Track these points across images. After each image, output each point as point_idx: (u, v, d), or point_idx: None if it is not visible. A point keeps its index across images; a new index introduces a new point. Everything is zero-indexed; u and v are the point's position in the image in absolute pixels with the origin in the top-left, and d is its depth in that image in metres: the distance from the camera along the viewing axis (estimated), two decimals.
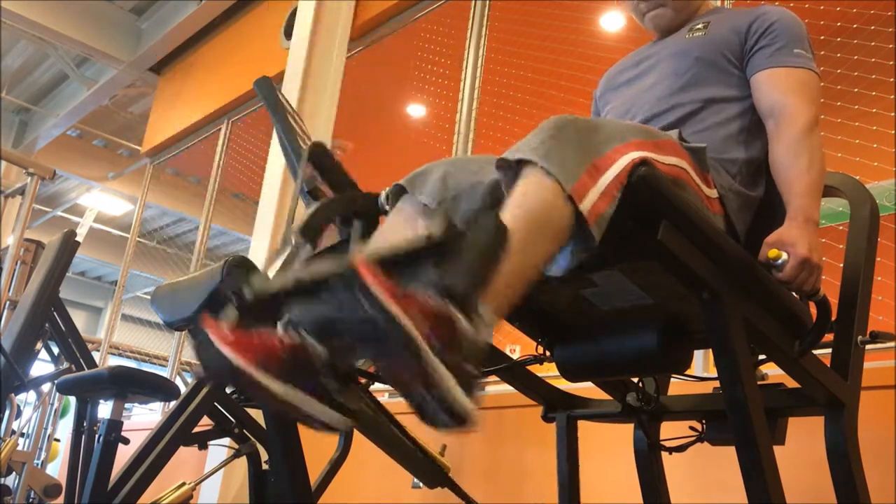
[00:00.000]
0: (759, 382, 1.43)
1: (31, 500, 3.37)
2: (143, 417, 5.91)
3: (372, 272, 0.76)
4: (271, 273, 0.96)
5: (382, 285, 0.76)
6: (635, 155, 1.04)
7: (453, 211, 1.19)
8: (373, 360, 0.83)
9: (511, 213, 0.96)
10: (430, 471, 1.88)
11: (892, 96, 2.84)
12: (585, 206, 0.97)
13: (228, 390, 2.11)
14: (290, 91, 4.05)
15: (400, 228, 1.22)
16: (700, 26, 1.51)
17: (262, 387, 0.80)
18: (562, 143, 1.00)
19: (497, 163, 1.05)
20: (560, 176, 0.97)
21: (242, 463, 2.23)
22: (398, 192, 1.27)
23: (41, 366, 3.78)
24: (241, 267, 1.31)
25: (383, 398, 3.63)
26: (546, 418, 1.62)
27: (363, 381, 2.03)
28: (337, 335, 0.81)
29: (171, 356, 5.19)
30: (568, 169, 0.98)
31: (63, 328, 3.21)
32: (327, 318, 0.81)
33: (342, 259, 0.78)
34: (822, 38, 2.92)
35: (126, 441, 2.04)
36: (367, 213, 1.31)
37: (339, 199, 1.32)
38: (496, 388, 2.90)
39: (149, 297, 2.39)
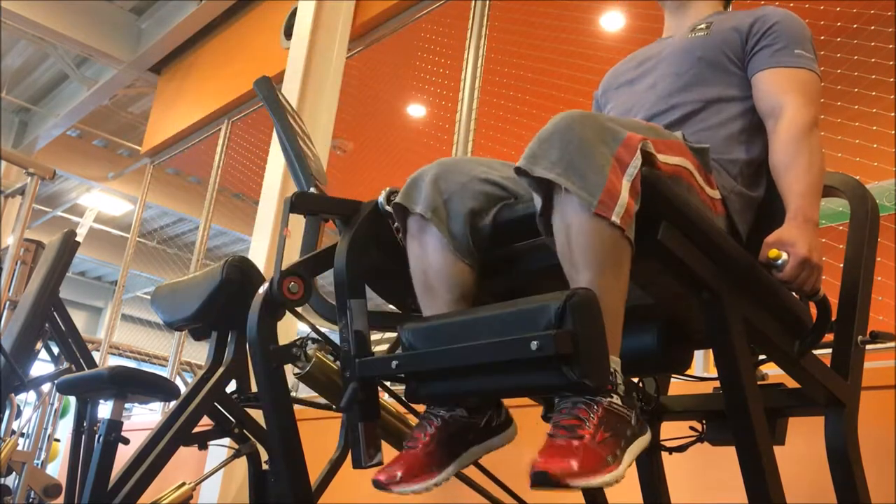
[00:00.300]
0: (759, 382, 1.43)
1: (31, 500, 3.37)
2: (143, 417, 5.91)
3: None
4: None
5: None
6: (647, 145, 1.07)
7: (446, 214, 1.21)
8: None
9: (582, 264, 1.02)
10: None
11: (892, 96, 2.84)
12: (617, 214, 1.01)
13: (228, 390, 2.11)
14: (290, 91, 4.05)
15: (431, 261, 1.24)
16: (703, 26, 1.51)
17: None
18: (579, 148, 1.02)
19: (516, 170, 1.07)
20: (583, 192, 1.01)
21: (242, 463, 2.23)
22: (401, 212, 1.27)
23: (41, 366, 3.78)
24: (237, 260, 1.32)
25: (383, 398, 3.63)
26: (546, 418, 1.62)
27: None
28: None
29: (171, 356, 5.19)
30: (590, 185, 1.01)
31: (63, 328, 3.21)
32: None
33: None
34: (822, 38, 2.92)
35: (126, 441, 2.04)
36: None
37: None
38: None
39: (149, 297, 2.39)
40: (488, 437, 1.20)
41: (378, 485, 1.07)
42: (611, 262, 1.02)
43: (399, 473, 1.06)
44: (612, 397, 0.98)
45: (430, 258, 1.22)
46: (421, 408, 1.22)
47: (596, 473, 0.96)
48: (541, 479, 0.91)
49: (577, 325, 0.93)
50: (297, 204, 1.27)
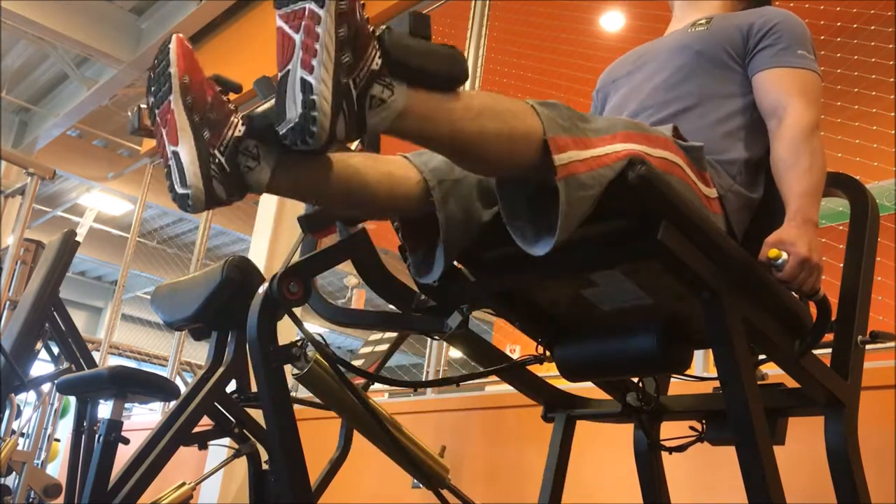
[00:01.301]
0: (759, 382, 1.43)
1: (31, 500, 3.37)
2: (143, 417, 5.91)
3: None
4: None
5: None
6: (624, 146, 1.05)
7: (451, 194, 1.18)
8: (282, 15, 0.89)
9: (487, 96, 0.98)
10: (430, 472, 1.88)
11: (892, 96, 2.84)
12: (561, 159, 0.98)
13: (228, 390, 2.11)
14: None
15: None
16: (703, 21, 1.51)
17: (169, 100, 0.93)
18: (553, 112, 1.02)
19: None
20: (546, 124, 0.99)
21: (242, 463, 2.23)
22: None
23: (41, 366, 3.78)
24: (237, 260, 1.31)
25: (383, 398, 3.63)
26: (546, 418, 1.62)
27: (362, 381, 2.03)
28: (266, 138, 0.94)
29: (171, 356, 5.19)
30: (554, 126, 1.00)
31: (63, 328, 3.21)
32: (269, 118, 0.91)
33: None
34: (822, 38, 2.92)
35: (126, 441, 2.04)
36: None
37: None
38: (496, 388, 2.90)
39: (149, 297, 2.39)
40: None
41: None
42: (507, 133, 0.98)
43: None
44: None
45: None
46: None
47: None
48: None
49: None
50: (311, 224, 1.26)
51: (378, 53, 0.90)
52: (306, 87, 0.86)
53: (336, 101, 0.86)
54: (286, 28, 0.89)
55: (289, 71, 0.88)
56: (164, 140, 0.96)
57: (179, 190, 0.94)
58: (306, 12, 0.87)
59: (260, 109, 0.97)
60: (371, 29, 0.91)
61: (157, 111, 0.97)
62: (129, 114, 1.19)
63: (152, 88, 0.98)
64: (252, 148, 0.96)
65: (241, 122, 0.97)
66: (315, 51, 0.86)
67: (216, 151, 0.94)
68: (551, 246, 1.00)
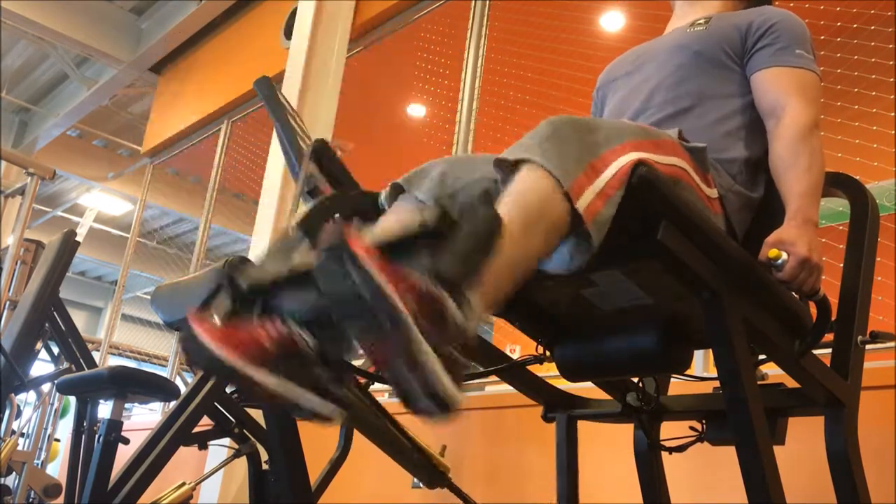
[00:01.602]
0: (759, 382, 1.43)
1: (31, 500, 3.37)
2: (143, 417, 5.91)
3: (363, 247, 0.76)
4: (268, 264, 0.96)
5: (374, 260, 0.75)
6: (633, 156, 1.04)
7: (450, 207, 1.18)
8: (361, 344, 0.81)
9: (507, 205, 0.97)
10: (430, 471, 1.88)
11: (892, 96, 2.84)
12: (581, 204, 0.98)
13: (228, 390, 2.11)
14: (290, 91, 4.05)
15: (395, 222, 1.21)
16: (702, 21, 1.51)
17: (254, 381, 0.79)
18: (559, 144, 1.01)
19: (495, 162, 1.05)
20: (557, 172, 0.98)
21: (242, 463, 2.23)
22: (396, 191, 1.27)
23: (41, 366, 3.78)
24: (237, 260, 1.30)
25: (383, 398, 3.63)
26: (546, 418, 1.62)
27: (363, 380, 2.03)
28: (327, 323, 0.81)
29: (171, 356, 5.19)
30: (566, 167, 0.99)
31: (63, 328, 3.21)
32: (317, 305, 0.80)
33: (335, 236, 0.78)
34: (822, 38, 2.92)
35: (126, 441, 2.04)
36: (367, 212, 1.31)
37: (339, 195, 1.32)
38: (496, 388, 2.90)
39: (149, 297, 2.39)
40: None
41: None
42: (544, 226, 0.97)
43: None
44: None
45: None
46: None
47: None
48: None
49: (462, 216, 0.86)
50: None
51: (452, 300, 0.80)
52: (427, 389, 0.78)
53: (453, 377, 0.79)
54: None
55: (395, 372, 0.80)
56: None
57: (330, 423, 0.85)
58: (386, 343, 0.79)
59: None
60: (435, 290, 0.80)
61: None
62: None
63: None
64: None
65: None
66: (419, 363, 0.78)
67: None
68: (580, 265, 1.03)
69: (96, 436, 2.02)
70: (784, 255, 1.15)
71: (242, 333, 0.80)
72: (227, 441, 2.23)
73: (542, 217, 0.98)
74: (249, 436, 2.18)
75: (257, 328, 0.80)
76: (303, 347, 0.81)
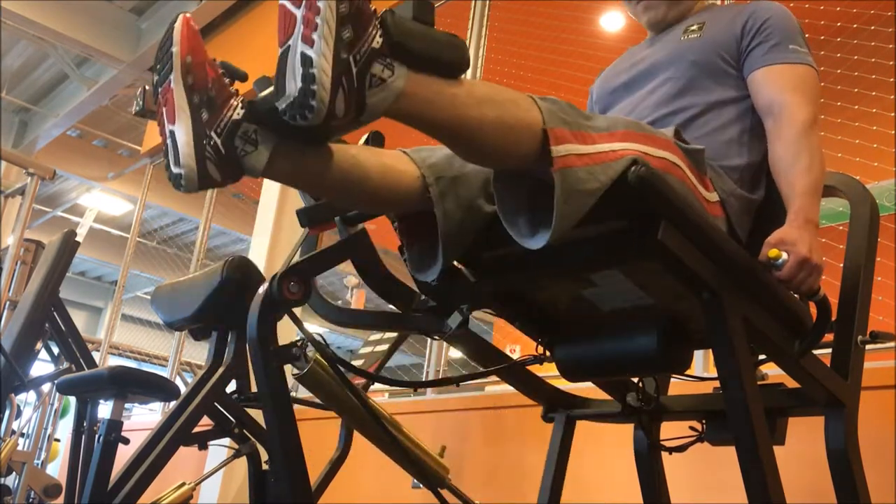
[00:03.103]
0: (759, 382, 1.43)
1: (31, 500, 3.37)
2: (143, 417, 5.91)
3: None
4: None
5: None
6: (623, 145, 1.04)
7: (449, 191, 1.17)
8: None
9: (484, 81, 0.99)
10: (430, 472, 1.88)
11: (892, 96, 2.84)
12: (558, 150, 0.98)
13: (228, 390, 2.11)
14: None
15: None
16: (695, 27, 1.50)
17: (170, 79, 0.92)
18: (556, 109, 1.02)
19: None
20: (546, 116, 0.99)
21: (242, 463, 2.23)
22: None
23: (41, 366, 3.78)
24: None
25: (383, 398, 3.63)
26: (546, 418, 1.62)
27: (362, 381, 2.03)
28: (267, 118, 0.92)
29: (171, 356, 5.19)
30: (554, 118, 1.00)
31: (63, 328, 3.21)
32: (271, 103, 0.90)
33: None
34: (822, 38, 2.92)
35: (126, 441, 2.04)
36: None
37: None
38: (496, 388, 2.90)
39: (149, 297, 2.39)
40: None
41: None
42: (500, 105, 0.98)
43: None
44: None
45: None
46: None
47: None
48: None
49: None
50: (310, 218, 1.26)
51: (379, 33, 0.89)
52: (306, 61, 0.86)
53: (336, 75, 0.86)
54: (288, 4, 0.90)
55: (289, 46, 0.88)
56: (163, 119, 0.96)
57: (174, 169, 0.94)
58: None
59: (262, 94, 0.98)
60: (373, 9, 0.91)
61: (159, 89, 0.97)
62: (136, 94, 1.19)
63: (157, 67, 0.98)
64: (251, 132, 0.96)
65: (241, 105, 0.96)
66: (316, 24, 0.86)
67: (213, 133, 0.93)
68: (546, 240, 1.00)
69: (96, 436, 2.02)
70: (784, 255, 1.15)
71: (202, 53, 0.95)
72: (227, 441, 2.23)
73: (510, 108, 0.98)
74: (249, 436, 2.18)
75: (214, 65, 0.97)
76: (228, 109, 0.94)
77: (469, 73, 3.62)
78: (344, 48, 0.86)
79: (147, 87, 1.19)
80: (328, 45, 0.86)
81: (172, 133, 0.94)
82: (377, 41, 0.89)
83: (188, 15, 0.97)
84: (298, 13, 0.88)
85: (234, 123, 0.95)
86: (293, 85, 0.86)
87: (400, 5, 0.93)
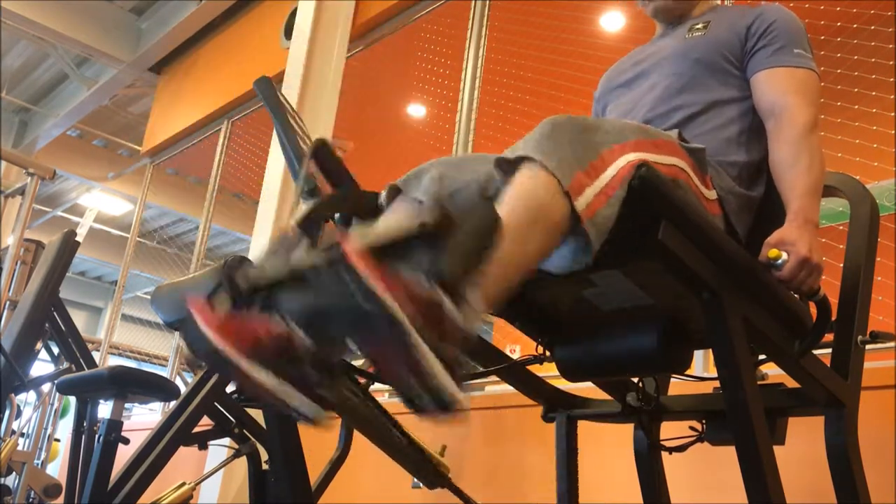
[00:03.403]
0: (759, 382, 1.43)
1: (31, 500, 3.37)
2: (143, 417, 5.91)
3: (359, 254, 0.76)
4: (267, 264, 0.97)
5: (370, 267, 0.75)
6: (632, 157, 1.04)
7: (449, 206, 1.17)
8: (360, 348, 0.81)
9: (507, 204, 0.97)
10: (430, 472, 1.88)
11: (892, 96, 2.84)
12: (581, 203, 0.98)
13: (229, 390, 2.11)
14: (290, 91, 4.05)
15: (394, 221, 1.21)
16: (700, 26, 1.50)
17: (245, 374, 0.80)
18: (559, 143, 1.01)
19: (496, 162, 1.05)
20: (557, 171, 0.98)
21: (242, 463, 2.23)
22: (394, 193, 1.27)
23: (41, 366, 3.78)
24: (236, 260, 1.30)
25: (383, 398, 3.63)
26: (546, 418, 1.62)
27: (363, 381, 2.02)
28: (324, 325, 0.80)
29: (171, 356, 5.19)
30: (565, 166, 0.99)
31: (63, 328, 3.21)
32: (315, 307, 0.80)
33: (332, 243, 0.78)
34: (822, 38, 2.92)
35: (126, 441, 2.04)
36: (367, 212, 1.31)
37: (338, 194, 1.32)
38: (496, 388, 2.90)
39: (149, 297, 2.39)
40: None
41: None
42: (543, 225, 0.97)
43: None
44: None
45: None
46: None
47: None
48: None
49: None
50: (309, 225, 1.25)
51: (449, 299, 0.81)
52: (434, 392, 0.79)
53: (454, 376, 0.80)
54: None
55: (401, 379, 0.80)
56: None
57: (310, 423, 0.85)
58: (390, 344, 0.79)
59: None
60: (433, 292, 0.80)
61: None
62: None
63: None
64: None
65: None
66: (420, 366, 0.78)
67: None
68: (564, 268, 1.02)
69: (96, 436, 2.02)
70: (784, 256, 1.15)
71: (240, 326, 0.81)
72: (227, 441, 2.23)
73: (542, 216, 0.98)
74: (249, 436, 2.18)
75: (255, 323, 0.81)
76: (297, 346, 0.81)
77: (469, 73, 3.62)
78: (442, 350, 0.79)
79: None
80: (443, 374, 0.79)
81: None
82: (450, 310, 0.80)
83: (196, 300, 0.83)
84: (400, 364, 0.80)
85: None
86: (429, 406, 0.79)
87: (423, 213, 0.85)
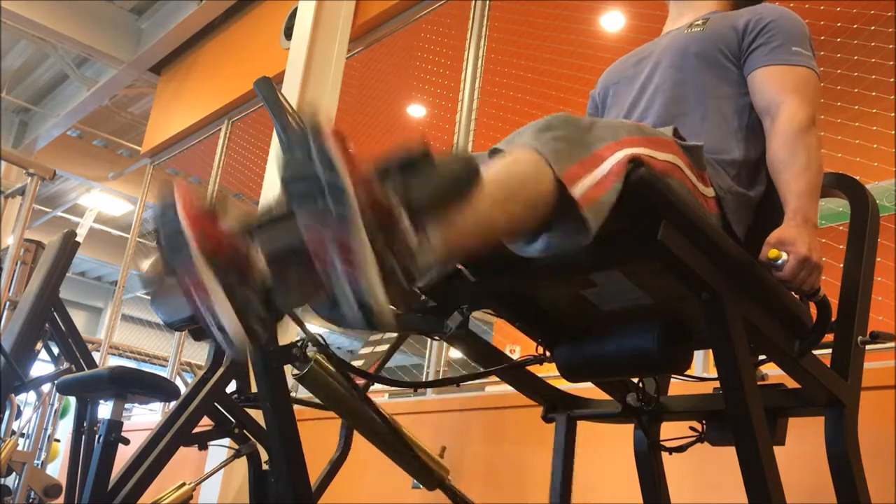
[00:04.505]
0: (759, 382, 1.43)
1: (31, 500, 3.37)
2: (143, 417, 5.91)
3: (336, 136, 0.78)
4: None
5: (341, 150, 0.77)
6: (628, 151, 1.04)
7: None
8: (306, 225, 0.82)
9: (492, 167, 0.97)
10: (429, 473, 1.88)
11: (892, 96, 2.84)
12: (578, 191, 0.97)
13: (228, 390, 2.11)
14: (290, 91, 4.05)
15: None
16: (699, 22, 1.51)
17: (194, 267, 0.83)
18: (555, 137, 1.01)
19: (489, 152, 1.05)
20: (550, 157, 0.98)
21: (242, 463, 2.23)
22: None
23: (41, 366, 3.78)
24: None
25: (383, 399, 3.63)
26: (546, 418, 1.62)
27: (362, 381, 2.03)
28: (288, 266, 0.84)
29: (171, 356, 5.19)
30: (559, 157, 0.99)
31: (63, 328, 3.21)
32: (286, 245, 0.83)
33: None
34: (822, 38, 2.92)
35: (126, 441, 2.04)
36: None
37: None
38: (496, 388, 2.90)
39: (149, 297, 2.39)
40: None
41: None
42: (524, 197, 0.96)
43: None
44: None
45: None
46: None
47: None
48: None
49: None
50: None
51: (406, 216, 0.82)
52: (357, 293, 0.80)
53: (390, 292, 0.80)
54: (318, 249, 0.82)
55: (328, 273, 0.81)
56: (196, 302, 0.89)
57: (228, 349, 0.89)
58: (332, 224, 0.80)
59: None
60: (387, 199, 0.82)
61: (180, 271, 0.88)
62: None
63: (167, 251, 0.88)
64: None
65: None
66: (355, 263, 0.79)
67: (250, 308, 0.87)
68: (546, 246, 1.01)
69: (96, 436, 2.02)
70: (784, 256, 1.15)
71: (212, 226, 0.84)
72: (227, 441, 2.23)
73: (525, 189, 0.98)
74: (249, 436, 2.18)
75: (225, 231, 0.85)
76: (254, 268, 0.84)
77: (469, 73, 3.62)
78: (386, 255, 0.80)
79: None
80: (374, 275, 0.79)
81: (215, 318, 0.88)
82: (406, 227, 0.82)
83: (184, 185, 0.87)
84: (330, 246, 0.80)
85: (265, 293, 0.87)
86: (351, 311, 0.81)
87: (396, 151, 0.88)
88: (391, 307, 0.80)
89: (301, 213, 0.81)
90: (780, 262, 1.15)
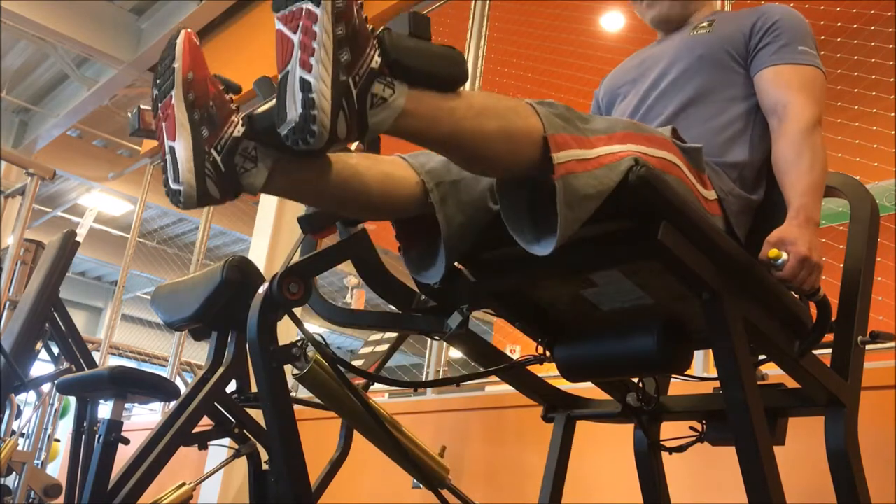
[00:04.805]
0: (759, 382, 1.43)
1: (31, 500, 3.37)
2: (143, 417, 5.91)
3: None
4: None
5: None
6: (624, 147, 1.04)
7: (450, 196, 1.17)
8: (282, 17, 0.89)
9: (483, 91, 1.00)
10: (429, 472, 1.88)
11: (892, 96, 2.84)
12: (560, 158, 0.98)
13: (228, 390, 2.11)
14: None
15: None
16: (705, 24, 1.51)
17: (171, 94, 0.93)
18: (554, 113, 1.02)
19: None
20: (546, 123, 0.99)
21: (242, 463, 2.23)
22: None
23: (41, 366, 3.78)
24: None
25: (383, 398, 3.63)
26: (546, 418, 1.62)
27: (361, 381, 2.03)
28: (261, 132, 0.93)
29: (171, 356, 5.19)
30: (554, 125, 1.00)
31: (63, 328, 3.21)
32: (270, 119, 0.90)
33: None
34: (823, 38, 2.92)
35: (126, 441, 2.04)
36: None
37: None
38: (496, 388, 2.90)
39: (149, 297, 2.39)
40: None
41: None
42: (507, 132, 0.98)
43: None
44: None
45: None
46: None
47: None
48: None
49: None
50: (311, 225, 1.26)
51: (377, 52, 0.90)
52: (305, 87, 0.85)
53: (336, 99, 0.86)
54: (284, 29, 0.89)
55: (288, 72, 0.88)
56: (163, 134, 0.96)
57: (172, 185, 0.95)
58: (303, 12, 0.87)
59: (260, 110, 0.97)
60: (370, 28, 0.91)
61: (159, 105, 0.97)
62: (129, 114, 1.19)
63: (157, 82, 0.98)
64: (250, 150, 0.96)
65: (241, 122, 0.96)
66: (313, 49, 0.86)
67: (213, 150, 0.94)
68: (552, 247, 0.99)
69: (96, 436, 2.02)
70: (784, 255, 1.15)
71: (205, 69, 0.94)
72: (227, 441, 2.23)
73: (509, 117, 0.99)
74: (249, 436, 2.18)
75: (217, 86, 0.95)
76: (231, 121, 0.94)
77: (469, 73, 3.62)
78: (343, 70, 0.86)
79: (141, 107, 1.20)
80: (326, 70, 0.86)
81: (172, 149, 0.95)
82: (376, 61, 0.89)
83: (189, 30, 0.97)
84: (295, 38, 0.87)
85: (235, 141, 0.95)
86: (294, 111, 0.86)
87: (396, 19, 0.94)
88: (331, 123, 0.85)
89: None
90: (780, 261, 1.15)
